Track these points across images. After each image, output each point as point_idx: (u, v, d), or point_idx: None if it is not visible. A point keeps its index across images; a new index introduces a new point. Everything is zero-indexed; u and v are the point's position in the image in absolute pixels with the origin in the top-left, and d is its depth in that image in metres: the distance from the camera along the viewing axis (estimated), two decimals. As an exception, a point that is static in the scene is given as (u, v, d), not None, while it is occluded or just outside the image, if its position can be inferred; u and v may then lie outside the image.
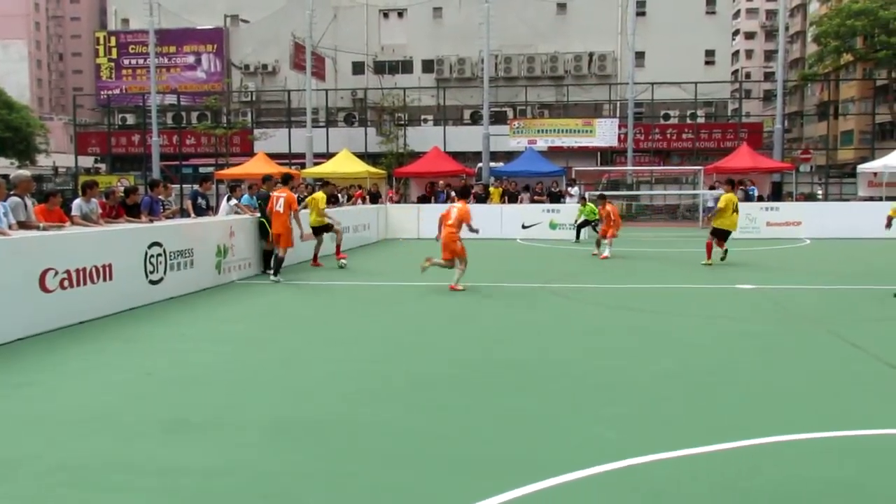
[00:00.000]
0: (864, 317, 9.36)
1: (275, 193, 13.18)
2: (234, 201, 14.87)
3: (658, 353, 7.35)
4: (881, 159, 29.81)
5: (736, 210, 15.22)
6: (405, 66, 46.39)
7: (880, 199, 27.18)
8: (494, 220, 23.23)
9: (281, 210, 12.90)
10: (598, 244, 17.37)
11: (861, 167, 29.96)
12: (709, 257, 15.25)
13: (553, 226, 23.04)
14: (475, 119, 42.31)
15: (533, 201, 25.85)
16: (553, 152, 35.84)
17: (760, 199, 26.54)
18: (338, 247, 15.81)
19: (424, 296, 11.38)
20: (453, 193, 25.94)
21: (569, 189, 25.83)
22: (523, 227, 23.17)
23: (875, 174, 28.85)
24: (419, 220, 23.35)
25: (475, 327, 8.79)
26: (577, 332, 8.43)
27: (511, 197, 25.72)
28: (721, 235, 15.31)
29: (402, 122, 41.85)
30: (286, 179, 13.62)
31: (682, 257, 17.15)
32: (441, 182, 27.04)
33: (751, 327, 8.71)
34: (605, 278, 13.25)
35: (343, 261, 14.99)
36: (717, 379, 6.34)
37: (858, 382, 6.24)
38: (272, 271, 13.06)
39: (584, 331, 8.56)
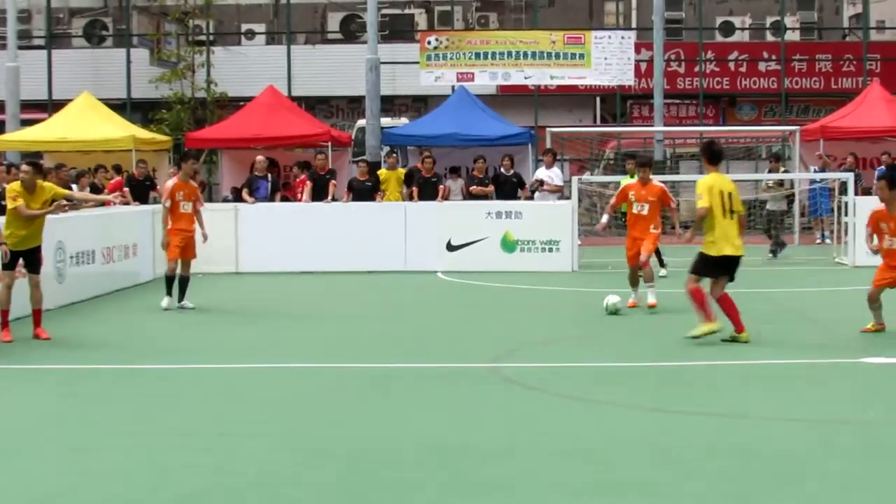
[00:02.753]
0: None
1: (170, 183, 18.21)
2: None
3: (713, 495, 7.47)
4: None
5: (727, 210, 13.48)
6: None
7: None
8: (393, 233, 23.22)
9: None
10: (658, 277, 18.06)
11: None
12: (708, 317, 13.58)
13: (509, 245, 23.20)
14: (350, 33, 42.48)
15: (469, 196, 25.87)
16: (508, 98, 36.21)
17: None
18: (36, 311, 14.87)
19: (231, 388, 11.43)
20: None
21: (542, 174, 25.67)
22: (450, 247, 23.33)
23: None
24: (237, 236, 22.88)
25: (347, 460, 8.66)
26: (557, 474, 8.43)
27: (425, 187, 25.69)
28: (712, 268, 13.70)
29: (204, 39, 41.52)
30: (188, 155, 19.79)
31: (764, 310, 17.56)
32: (260, 158, 25.53)
33: (892, 439, 9.01)
34: (617, 349, 13.44)
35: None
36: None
37: None
38: (179, 296, 17.40)
39: (571, 464, 8.55)
